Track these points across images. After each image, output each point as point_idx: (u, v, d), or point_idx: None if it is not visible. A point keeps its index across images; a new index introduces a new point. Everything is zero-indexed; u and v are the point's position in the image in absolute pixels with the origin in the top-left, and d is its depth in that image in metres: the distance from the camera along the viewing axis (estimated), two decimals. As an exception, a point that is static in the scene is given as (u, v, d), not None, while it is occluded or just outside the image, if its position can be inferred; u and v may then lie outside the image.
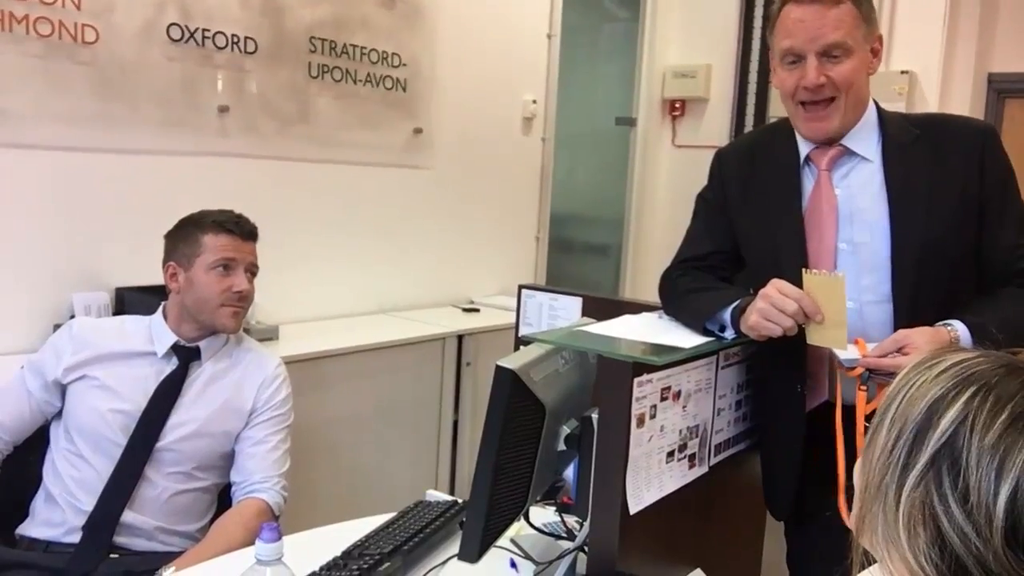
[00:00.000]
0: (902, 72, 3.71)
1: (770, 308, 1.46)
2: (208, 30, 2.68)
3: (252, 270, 1.91)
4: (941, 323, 1.44)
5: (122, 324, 1.93)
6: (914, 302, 1.51)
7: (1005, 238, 1.52)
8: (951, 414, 0.73)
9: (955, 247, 1.52)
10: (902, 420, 0.76)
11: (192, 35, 2.64)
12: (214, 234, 1.86)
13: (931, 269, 1.51)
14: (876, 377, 1.42)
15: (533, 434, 1.31)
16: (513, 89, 3.79)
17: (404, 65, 3.27)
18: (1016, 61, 3.87)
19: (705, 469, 1.54)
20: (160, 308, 1.92)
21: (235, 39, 2.75)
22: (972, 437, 0.72)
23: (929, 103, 3.72)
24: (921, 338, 1.40)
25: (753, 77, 4.29)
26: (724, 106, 4.40)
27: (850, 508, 1.30)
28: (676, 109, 4.54)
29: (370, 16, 3.14)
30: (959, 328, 1.43)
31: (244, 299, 1.88)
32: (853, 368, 1.44)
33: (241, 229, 1.89)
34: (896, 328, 1.47)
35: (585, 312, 1.95)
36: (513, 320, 2.14)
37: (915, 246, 1.51)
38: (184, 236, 1.88)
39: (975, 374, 0.75)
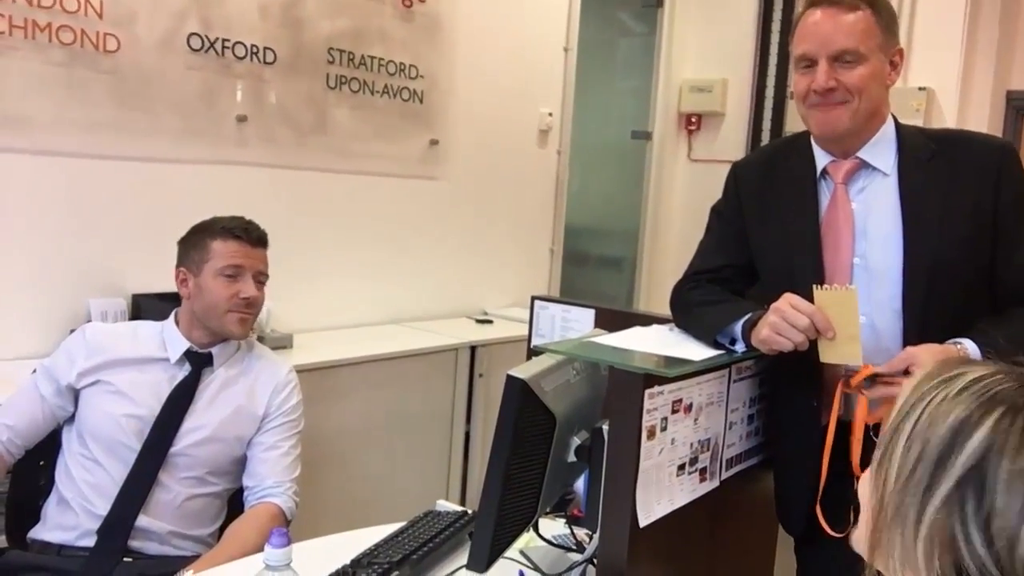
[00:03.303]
0: (920, 88, 3.70)
1: (782, 322, 1.45)
2: (228, 40, 2.71)
3: (260, 278, 1.92)
4: (951, 340, 1.43)
5: (135, 330, 1.94)
6: (925, 319, 1.50)
7: (1019, 257, 1.50)
8: (978, 437, 0.71)
9: (968, 265, 1.50)
10: (922, 440, 0.74)
11: (212, 45, 2.67)
12: (223, 240, 1.87)
13: (943, 286, 1.50)
14: (879, 389, 1.41)
15: (543, 445, 1.31)
16: (529, 101, 3.80)
17: (421, 77, 3.29)
18: (1035, 79, 3.86)
19: (716, 483, 1.53)
20: (173, 314, 1.93)
21: (254, 49, 2.77)
22: (1002, 462, 0.70)
23: (947, 120, 3.71)
24: (928, 356, 1.38)
25: (770, 92, 4.29)
26: (740, 121, 4.39)
27: (836, 520, 1.27)
28: (692, 123, 4.54)
29: (388, 28, 3.16)
30: (969, 346, 1.42)
31: (251, 305, 1.89)
32: (855, 374, 1.43)
33: (250, 235, 1.90)
34: (906, 345, 1.46)
35: (598, 324, 1.95)
36: (526, 332, 2.14)
37: (927, 263, 1.50)
38: (194, 242, 1.90)
39: (999, 394, 0.73)
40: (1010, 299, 1.51)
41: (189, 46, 2.62)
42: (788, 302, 1.46)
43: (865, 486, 0.82)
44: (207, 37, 2.66)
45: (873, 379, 1.43)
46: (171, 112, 2.61)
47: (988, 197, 1.49)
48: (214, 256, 1.86)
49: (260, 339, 2.10)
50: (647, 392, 1.31)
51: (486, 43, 3.53)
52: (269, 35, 2.81)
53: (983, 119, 3.78)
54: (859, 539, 0.83)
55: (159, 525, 1.79)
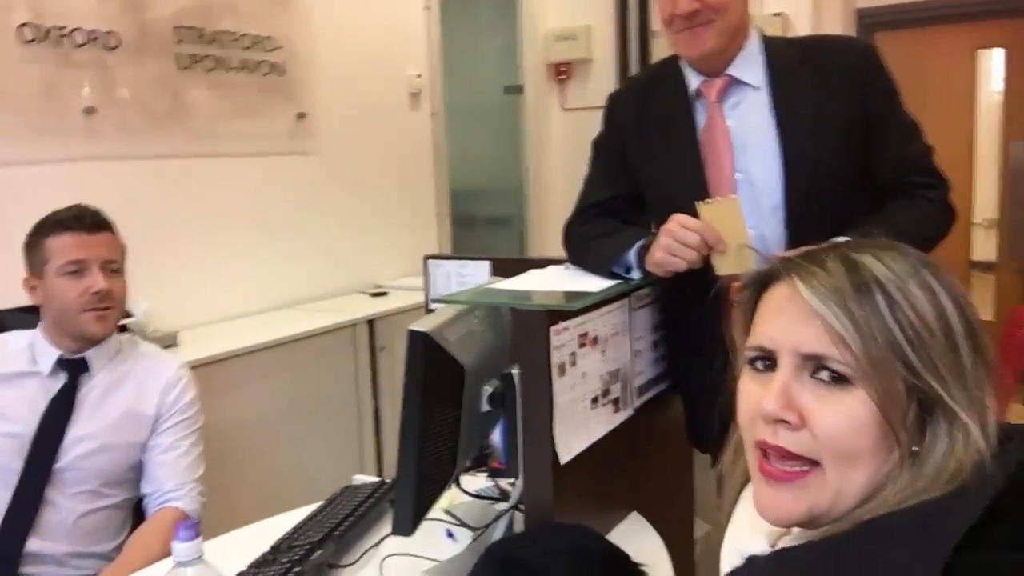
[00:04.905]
0: (775, 14, 3.79)
1: (673, 242, 1.46)
2: (64, 27, 2.51)
3: (111, 267, 1.75)
4: (830, 241, 1.46)
5: (4, 344, 1.79)
6: (807, 224, 1.53)
7: (892, 152, 1.55)
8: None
9: (845, 167, 1.54)
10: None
11: (47, 34, 2.47)
12: (55, 236, 1.72)
13: (822, 191, 1.53)
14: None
15: (454, 396, 1.28)
16: (396, 64, 3.70)
17: (279, 48, 3.15)
18: (882, -5, 4.00)
19: (630, 412, 1.53)
20: (40, 324, 1.79)
21: (94, 35, 2.58)
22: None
23: (803, 43, 3.81)
24: None
25: (634, 33, 4.31)
26: (608, 65, 4.40)
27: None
28: (562, 72, 4.53)
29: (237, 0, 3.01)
30: None
31: (107, 299, 1.73)
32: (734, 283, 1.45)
33: (83, 223, 1.73)
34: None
35: (494, 274, 1.92)
36: (423, 298, 2.09)
37: (805, 170, 1.53)
38: (32, 244, 1.75)
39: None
40: (886, 195, 1.56)
41: (21, 37, 2.42)
42: (677, 221, 1.47)
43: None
44: (40, 26, 2.45)
45: None
46: (10, 111, 2.40)
47: (857, 99, 1.53)
48: (52, 255, 1.71)
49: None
50: (552, 329, 1.29)
51: (343, 6, 3.40)
52: (109, 18, 2.62)
53: (836, 38, 3.90)
54: None
55: (53, 547, 1.67)
